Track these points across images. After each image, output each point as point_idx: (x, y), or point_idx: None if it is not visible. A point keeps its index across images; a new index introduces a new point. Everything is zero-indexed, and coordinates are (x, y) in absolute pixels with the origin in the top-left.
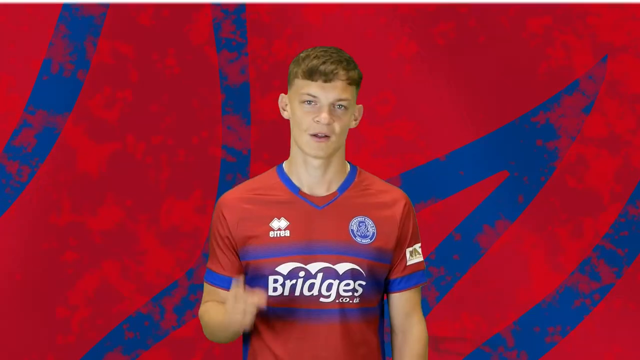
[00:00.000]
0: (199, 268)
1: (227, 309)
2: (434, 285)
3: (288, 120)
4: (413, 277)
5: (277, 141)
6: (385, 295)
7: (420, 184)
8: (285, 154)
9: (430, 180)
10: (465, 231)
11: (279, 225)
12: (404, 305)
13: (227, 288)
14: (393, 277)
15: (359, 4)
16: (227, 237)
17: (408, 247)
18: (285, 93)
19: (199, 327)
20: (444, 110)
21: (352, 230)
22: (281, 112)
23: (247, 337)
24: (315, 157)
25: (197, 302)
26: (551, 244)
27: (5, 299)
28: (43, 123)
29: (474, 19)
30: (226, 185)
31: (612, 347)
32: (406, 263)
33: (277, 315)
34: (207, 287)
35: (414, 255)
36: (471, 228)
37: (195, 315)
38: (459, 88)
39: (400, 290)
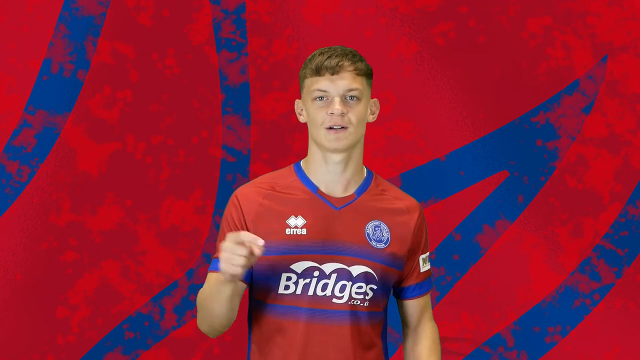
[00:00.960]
0: (199, 268)
1: (221, 258)
2: (434, 285)
3: (288, 121)
4: (425, 284)
5: (277, 141)
6: (387, 300)
7: (420, 184)
8: (285, 154)
9: (430, 180)
10: (465, 231)
11: (296, 223)
12: (417, 311)
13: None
14: (407, 284)
15: (359, 3)
16: (242, 227)
17: (421, 254)
18: (293, 97)
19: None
20: (444, 110)
21: (368, 234)
22: (298, 118)
23: (254, 335)
24: (335, 149)
25: None
26: (551, 244)
27: (5, 299)
28: (43, 123)
29: (474, 19)
30: (226, 185)
31: (612, 347)
32: (419, 270)
33: (287, 314)
34: (211, 276)
35: (426, 263)
36: (471, 228)
37: (196, 316)
38: (459, 88)
39: (414, 297)
